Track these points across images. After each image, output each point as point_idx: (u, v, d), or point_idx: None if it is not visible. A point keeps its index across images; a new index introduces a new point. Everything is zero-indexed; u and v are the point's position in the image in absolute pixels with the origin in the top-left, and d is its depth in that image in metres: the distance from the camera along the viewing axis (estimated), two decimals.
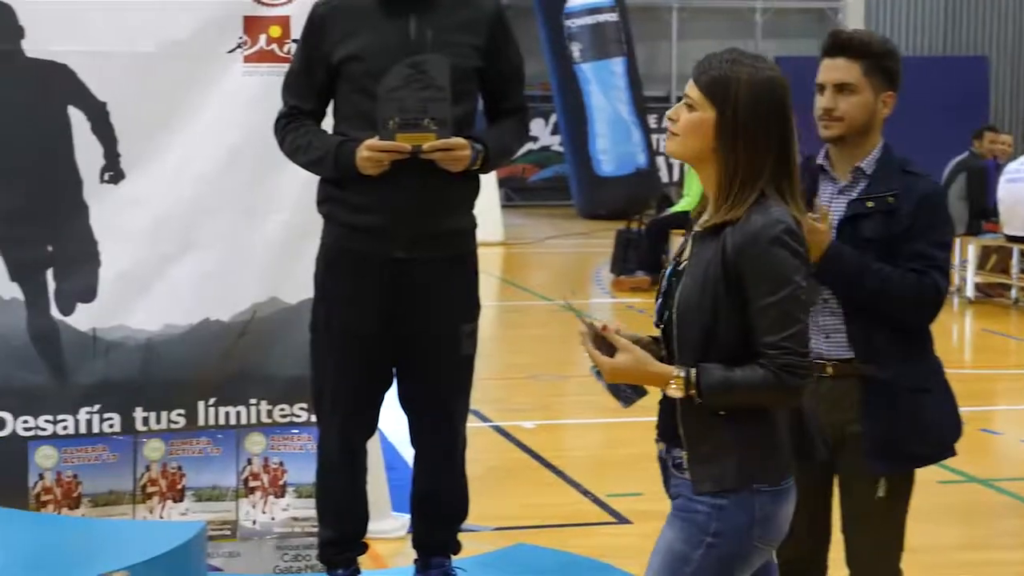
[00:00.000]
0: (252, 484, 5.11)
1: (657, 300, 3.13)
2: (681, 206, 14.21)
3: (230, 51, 4.96)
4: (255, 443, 5.12)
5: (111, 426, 4.97)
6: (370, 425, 4.51)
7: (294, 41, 4.81)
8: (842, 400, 3.70)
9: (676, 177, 22.02)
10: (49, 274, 4.95)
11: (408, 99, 4.14)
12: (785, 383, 2.90)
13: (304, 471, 5.02)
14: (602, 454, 7.64)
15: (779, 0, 25.94)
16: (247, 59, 4.97)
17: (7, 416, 4.89)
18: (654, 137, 20.95)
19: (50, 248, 4.95)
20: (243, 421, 5.10)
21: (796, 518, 3.11)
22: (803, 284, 2.92)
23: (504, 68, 4.42)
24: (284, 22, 4.96)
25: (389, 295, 4.28)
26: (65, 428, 4.93)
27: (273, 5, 4.96)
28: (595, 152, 20.25)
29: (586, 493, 6.58)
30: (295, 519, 5.11)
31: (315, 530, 4.69)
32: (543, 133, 24.43)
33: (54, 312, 4.93)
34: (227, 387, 5.07)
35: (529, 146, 23.70)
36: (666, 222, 14.26)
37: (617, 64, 20.34)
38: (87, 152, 4.92)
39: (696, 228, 3.07)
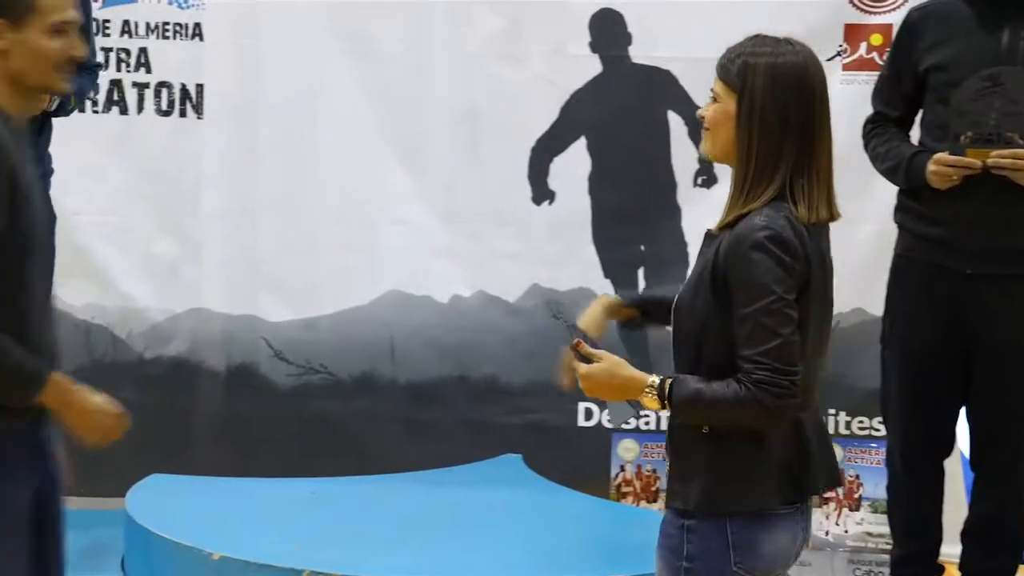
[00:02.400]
0: (827, 495, 5.07)
1: None
2: None
3: (829, 59, 4.93)
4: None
5: None
6: (939, 442, 4.35)
7: None
8: None
9: None
10: (640, 273, 5.11)
11: (982, 113, 3.96)
12: (760, 401, 2.60)
13: (880, 486, 4.92)
14: None
15: None
16: (846, 67, 4.93)
17: (594, 407, 5.09)
18: None
19: (642, 248, 5.11)
20: None
21: None
22: (786, 297, 2.61)
23: None
24: (886, 30, 4.88)
25: (954, 310, 4.13)
26: (647, 424, 5.08)
27: (876, 12, 4.89)
28: None
29: None
30: (869, 534, 5.03)
31: (888, 547, 4.60)
32: None
33: None
34: None
35: None
36: None
37: None
38: (682, 156, 5.05)
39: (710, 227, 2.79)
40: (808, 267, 2.68)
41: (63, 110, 4.36)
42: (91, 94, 4.72)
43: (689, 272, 2.81)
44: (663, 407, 2.70)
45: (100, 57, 4.93)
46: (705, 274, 2.71)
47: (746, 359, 2.61)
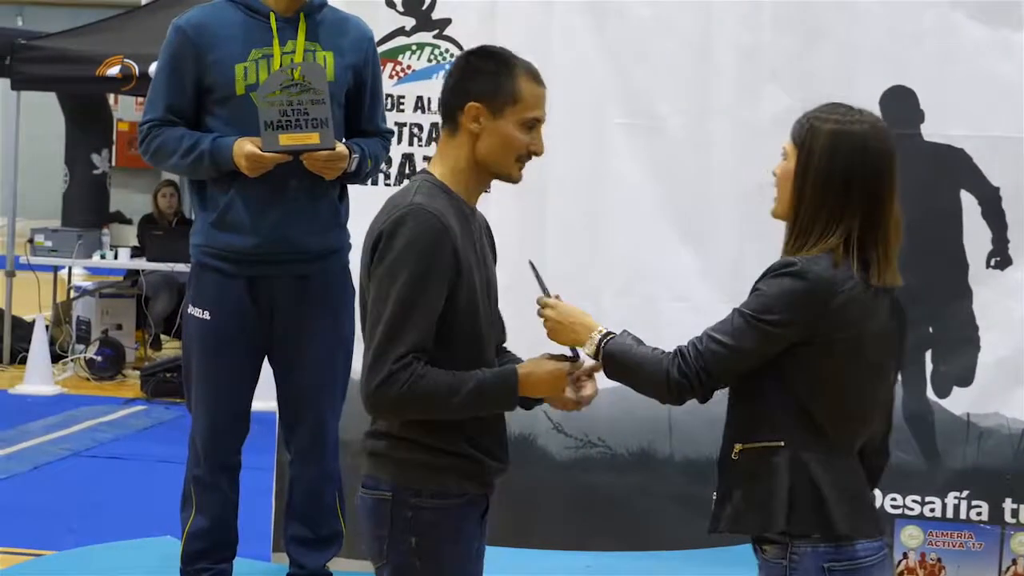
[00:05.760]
0: None
1: None
2: None
3: None
4: None
5: (978, 514, 4.92)
6: None
7: None
8: None
9: None
10: (928, 355, 4.98)
11: None
12: (667, 370, 2.78)
13: None
14: None
15: None
16: None
17: (876, 491, 4.96)
18: None
19: (930, 330, 4.99)
20: None
21: None
22: (778, 322, 2.70)
23: None
24: None
25: None
26: (932, 510, 4.94)
27: None
28: None
29: None
30: None
31: None
32: None
33: (930, 394, 4.96)
34: None
35: None
36: None
37: None
38: (975, 237, 4.93)
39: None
40: (844, 324, 2.74)
41: (358, 176, 4.49)
42: (383, 164, 4.86)
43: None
44: (595, 354, 2.88)
45: (394, 131, 5.09)
46: None
47: (697, 338, 2.78)
